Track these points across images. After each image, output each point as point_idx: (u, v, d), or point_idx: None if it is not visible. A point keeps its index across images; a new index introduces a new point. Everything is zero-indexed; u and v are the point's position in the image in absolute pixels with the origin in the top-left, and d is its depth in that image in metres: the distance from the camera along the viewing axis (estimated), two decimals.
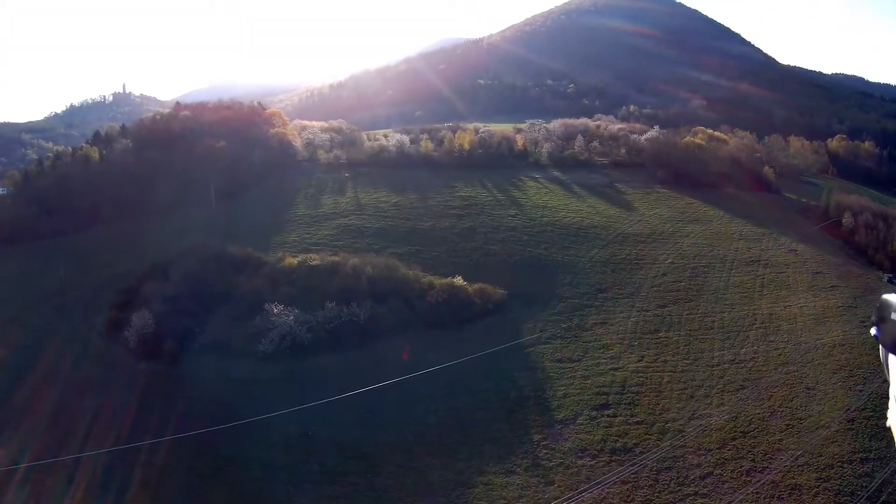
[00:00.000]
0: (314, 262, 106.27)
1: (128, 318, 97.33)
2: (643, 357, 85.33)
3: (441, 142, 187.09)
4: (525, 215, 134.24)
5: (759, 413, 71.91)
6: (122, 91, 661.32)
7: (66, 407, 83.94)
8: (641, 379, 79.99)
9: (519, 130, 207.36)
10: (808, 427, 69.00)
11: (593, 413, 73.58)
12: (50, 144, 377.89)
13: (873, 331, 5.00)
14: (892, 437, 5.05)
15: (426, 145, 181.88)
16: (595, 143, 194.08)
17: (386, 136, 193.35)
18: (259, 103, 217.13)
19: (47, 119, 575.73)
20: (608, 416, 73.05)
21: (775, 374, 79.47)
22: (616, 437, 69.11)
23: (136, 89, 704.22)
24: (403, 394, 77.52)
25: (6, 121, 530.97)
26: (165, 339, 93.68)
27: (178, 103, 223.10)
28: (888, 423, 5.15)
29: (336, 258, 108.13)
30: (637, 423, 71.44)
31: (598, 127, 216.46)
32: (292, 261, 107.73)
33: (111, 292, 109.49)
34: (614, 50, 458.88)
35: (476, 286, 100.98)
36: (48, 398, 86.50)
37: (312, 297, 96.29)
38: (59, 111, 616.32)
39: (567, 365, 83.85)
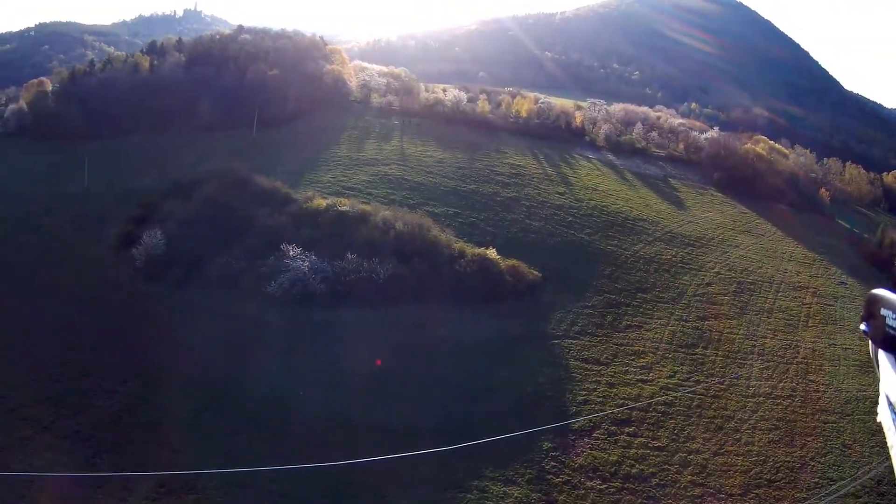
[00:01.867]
0: (343, 208, 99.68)
1: (140, 235, 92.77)
2: (675, 373, 77.96)
3: (499, 105, 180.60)
4: (573, 195, 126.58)
5: (788, 461, 64.60)
6: (193, 9, 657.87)
7: (60, 323, 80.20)
8: (670, 398, 72.52)
9: (579, 107, 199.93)
10: (837, 491, 61.75)
11: (613, 428, 66.39)
12: (111, 49, 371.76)
13: (863, 326, 4.78)
14: (884, 433, 4.44)
15: (483, 106, 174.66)
16: (654, 134, 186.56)
17: (444, 90, 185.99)
18: (321, 37, 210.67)
19: (114, 25, 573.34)
20: (628, 434, 65.86)
21: (811, 421, 71.86)
22: (633, 462, 62.02)
23: (207, 9, 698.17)
24: (408, 368, 71.94)
25: (72, 20, 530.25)
26: (173, 264, 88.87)
27: (240, 26, 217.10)
28: (878, 419, 4.55)
29: (367, 207, 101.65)
30: (658, 448, 64.28)
31: (658, 118, 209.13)
32: (321, 202, 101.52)
33: (131, 205, 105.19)
34: (683, 46, 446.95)
35: (510, 262, 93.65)
36: (44, 311, 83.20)
37: (334, 245, 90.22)
38: (127, 19, 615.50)
39: (593, 367, 76.61)
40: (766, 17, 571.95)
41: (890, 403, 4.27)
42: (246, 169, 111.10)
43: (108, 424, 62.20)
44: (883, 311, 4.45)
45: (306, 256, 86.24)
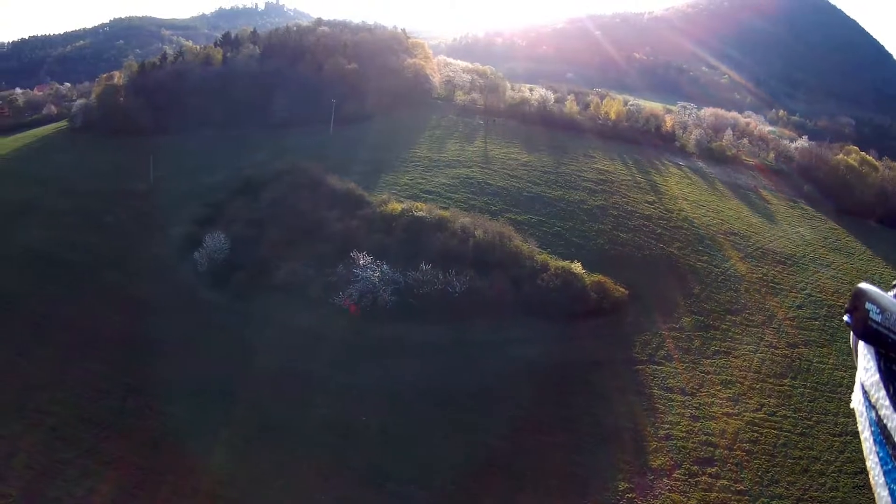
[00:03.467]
0: (419, 213, 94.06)
1: (204, 237, 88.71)
2: (763, 406, 70.87)
3: (587, 106, 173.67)
4: (663, 205, 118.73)
5: None
6: (275, 2, 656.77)
7: (113, 332, 76.75)
8: (756, 434, 66.02)
9: (668, 111, 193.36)
10: None
11: (694, 468, 60.23)
12: (189, 43, 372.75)
13: (846, 318, 4.34)
14: (856, 418, 4.34)
15: (571, 107, 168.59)
16: (744, 141, 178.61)
17: (531, 90, 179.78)
18: (403, 30, 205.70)
19: (193, 18, 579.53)
20: (710, 475, 59.65)
21: None
22: None
23: (290, 3, 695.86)
24: (478, 393, 66.77)
25: (148, 14, 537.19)
26: (237, 270, 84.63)
27: (319, 18, 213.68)
28: (852, 405, 4.40)
29: (445, 213, 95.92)
30: (740, 492, 58.10)
31: (748, 124, 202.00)
32: (396, 206, 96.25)
33: (196, 204, 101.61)
34: (770, 49, 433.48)
35: (595, 278, 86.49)
36: (97, 317, 79.79)
37: (408, 253, 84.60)
38: (207, 13, 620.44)
39: (678, 398, 70.04)
40: (850, 16, 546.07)
41: (864, 391, 4.18)
42: (319, 168, 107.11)
43: (152, 450, 57.85)
44: (867, 305, 4.18)
45: (377, 265, 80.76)
